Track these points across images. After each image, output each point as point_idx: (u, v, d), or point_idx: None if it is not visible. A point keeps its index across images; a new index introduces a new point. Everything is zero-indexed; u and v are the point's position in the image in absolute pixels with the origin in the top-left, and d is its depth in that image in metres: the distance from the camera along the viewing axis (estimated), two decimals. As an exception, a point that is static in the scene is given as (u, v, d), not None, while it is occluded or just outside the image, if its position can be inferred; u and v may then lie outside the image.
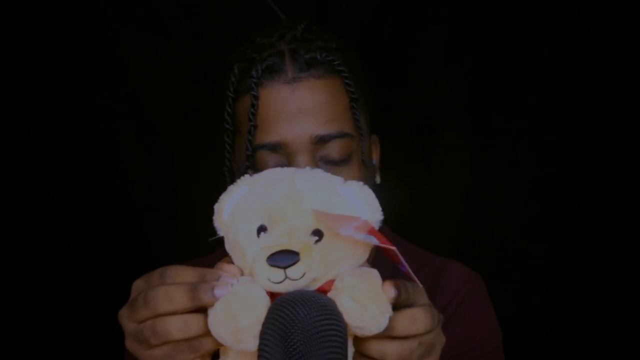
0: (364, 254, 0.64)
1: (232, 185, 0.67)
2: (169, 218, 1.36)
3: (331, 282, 0.62)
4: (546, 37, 1.30)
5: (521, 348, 1.36)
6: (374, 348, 0.61)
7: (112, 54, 1.28)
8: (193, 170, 1.33)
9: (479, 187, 1.37)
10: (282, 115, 0.82)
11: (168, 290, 0.59)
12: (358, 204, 0.63)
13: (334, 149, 0.83)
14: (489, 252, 1.38)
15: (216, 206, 0.67)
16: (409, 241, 1.03)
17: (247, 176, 0.68)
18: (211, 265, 1.01)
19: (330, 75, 0.84)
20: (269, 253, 0.59)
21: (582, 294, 1.37)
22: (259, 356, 0.60)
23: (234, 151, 0.90)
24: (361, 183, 0.65)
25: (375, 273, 0.61)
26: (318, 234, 0.61)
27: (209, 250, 1.08)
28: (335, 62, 0.84)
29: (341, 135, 0.83)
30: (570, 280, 1.38)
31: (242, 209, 0.64)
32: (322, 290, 0.62)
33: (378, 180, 0.95)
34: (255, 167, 0.84)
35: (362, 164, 0.87)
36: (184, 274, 0.61)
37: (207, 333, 0.59)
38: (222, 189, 1.02)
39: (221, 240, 1.08)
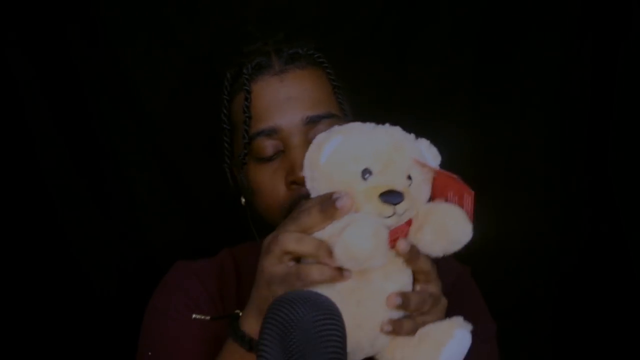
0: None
1: (323, 134, 0.76)
2: (168, 218, 1.36)
3: (409, 221, 0.72)
4: (546, 34, 1.29)
5: (521, 346, 1.37)
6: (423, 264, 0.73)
7: (114, 57, 1.27)
8: (193, 171, 1.33)
9: (478, 185, 1.37)
10: (274, 103, 0.90)
11: (309, 210, 0.73)
12: (429, 156, 0.76)
13: (324, 129, 0.88)
14: (489, 250, 1.37)
15: (310, 155, 0.76)
16: None
17: (336, 126, 0.77)
18: (213, 267, 1.03)
19: (313, 67, 0.94)
20: (379, 192, 0.69)
21: (582, 292, 1.37)
22: (258, 356, 0.60)
23: (233, 148, 0.97)
24: (429, 142, 0.77)
25: None
26: (409, 178, 0.71)
27: (209, 251, 1.09)
28: (316, 55, 0.94)
29: (329, 116, 0.91)
30: (571, 278, 1.37)
31: (345, 153, 0.72)
32: (400, 230, 0.71)
33: None
34: (253, 154, 0.92)
35: None
36: (312, 201, 0.75)
37: None
38: (222, 190, 1.04)
39: (225, 243, 1.09)
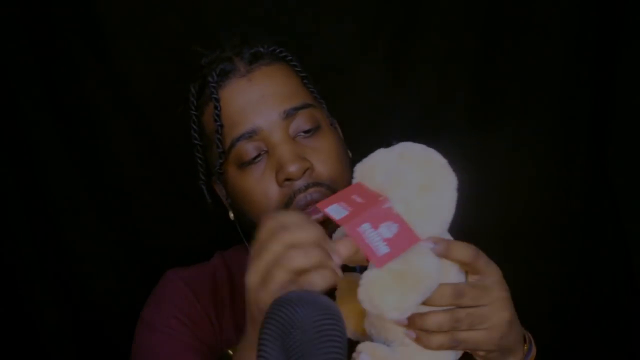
0: None
1: None
2: (166, 218, 1.36)
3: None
4: (547, 37, 1.29)
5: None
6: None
7: (109, 53, 1.27)
8: (191, 171, 1.32)
9: (478, 187, 1.37)
10: (248, 104, 0.88)
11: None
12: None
13: (303, 120, 0.89)
14: (488, 255, 1.37)
15: None
16: None
17: None
18: (206, 274, 1.02)
19: (277, 62, 0.93)
20: None
21: (583, 295, 1.37)
22: (259, 356, 0.60)
23: (208, 163, 0.96)
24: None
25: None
26: None
27: (207, 251, 1.08)
28: (278, 50, 0.93)
29: (305, 106, 0.90)
30: (571, 282, 1.37)
31: None
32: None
33: (350, 154, 1.00)
34: (234, 161, 0.89)
35: (331, 128, 0.94)
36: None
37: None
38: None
39: (221, 243, 1.08)
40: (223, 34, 0.97)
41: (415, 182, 0.70)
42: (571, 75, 1.30)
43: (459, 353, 0.73)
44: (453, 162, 1.35)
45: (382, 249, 0.66)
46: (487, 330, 0.70)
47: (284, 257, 0.65)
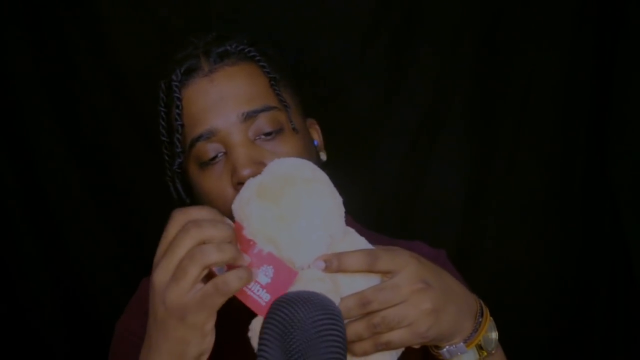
0: None
1: None
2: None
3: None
4: (546, 37, 1.29)
5: (520, 350, 1.36)
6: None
7: (110, 52, 1.28)
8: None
9: (478, 188, 1.37)
10: (207, 105, 0.88)
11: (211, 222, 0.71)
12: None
13: (263, 122, 0.88)
14: (489, 254, 1.37)
15: None
16: (388, 234, 1.05)
17: None
18: None
19: (245, 62, 0.91)
20: None
21: (583, 295, 1.37)
22: (259, 356, 0.60)
23: (175, 159, 0.95)
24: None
25: None
26: None
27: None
28: (246, 50, 0.92)
29: (267, 109, 0.88)
30: (571, 282, 1.37)
31: None
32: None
33: (324, 157, 1.00)
34: (195, 160, 0.89)
35: (294, 132, 0.92)
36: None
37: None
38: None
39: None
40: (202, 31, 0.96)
41: (271, 217, 0.70)
42: (570, 76, 1.30)
43: (399, 351, 0.72)
44: (451, 167, 1.35)
45: (264, 297, 0.67)
46: (409, 326, 0.69)
47: (197, 251, 0.65)
